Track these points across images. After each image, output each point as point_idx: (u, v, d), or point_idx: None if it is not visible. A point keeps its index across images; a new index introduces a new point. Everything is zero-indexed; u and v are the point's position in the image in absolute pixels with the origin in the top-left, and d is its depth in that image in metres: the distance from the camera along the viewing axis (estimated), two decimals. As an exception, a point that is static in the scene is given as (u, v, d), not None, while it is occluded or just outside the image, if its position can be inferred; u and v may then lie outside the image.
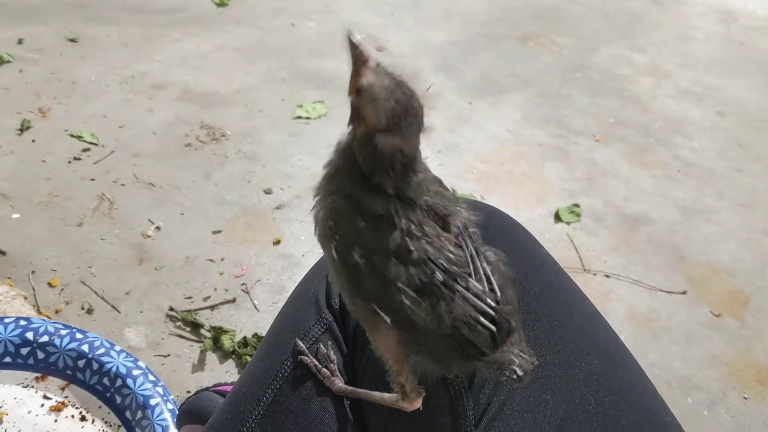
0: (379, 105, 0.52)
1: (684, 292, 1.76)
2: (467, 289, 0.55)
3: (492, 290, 0.56)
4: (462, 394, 0.66)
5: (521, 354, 0.58)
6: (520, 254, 0.79)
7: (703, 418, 1.47)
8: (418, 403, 0.62)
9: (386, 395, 0.63)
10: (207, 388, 1.12)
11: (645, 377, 0.76)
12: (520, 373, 0.57)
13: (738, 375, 1.58)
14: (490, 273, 0.57)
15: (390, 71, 0.54)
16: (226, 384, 1.16)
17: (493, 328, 0.55)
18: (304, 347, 0.69)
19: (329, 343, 0.71)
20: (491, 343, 0.56)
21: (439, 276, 0.54)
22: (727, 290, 1.80)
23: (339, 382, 0.68)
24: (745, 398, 1.52)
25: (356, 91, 0.54)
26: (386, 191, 0.54)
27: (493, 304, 0.55)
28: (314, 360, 0.68)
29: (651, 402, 0.72)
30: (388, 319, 0.57)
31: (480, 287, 0.55)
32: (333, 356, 0.69)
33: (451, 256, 0.55)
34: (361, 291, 0.58)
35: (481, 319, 0.54)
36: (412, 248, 0.54)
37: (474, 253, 0.57)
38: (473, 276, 0.56)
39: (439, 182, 0.60)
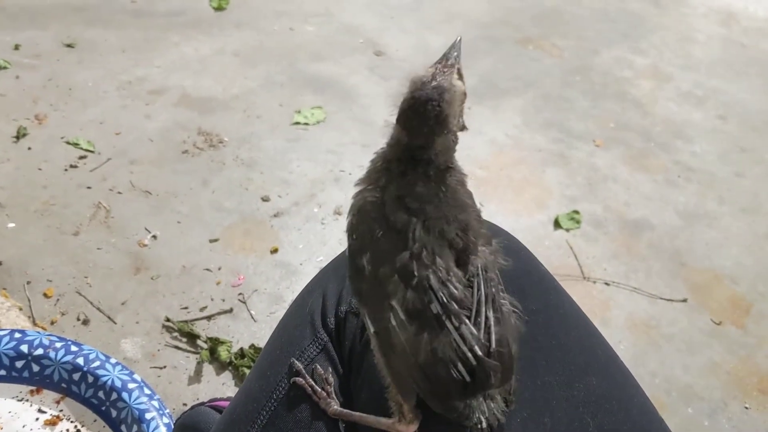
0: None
1: (685, 300, 1.75)
2: (457, 329, 0.53)
3: (488, 341, 0.54)
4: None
5: (492, 411, 0.58)
6: (517, 270, 0.78)
7: (704, 428, 1.46)
8: (414, 427, 0.61)
9: (382, 419, 0.63)
10: (203, 403, 1.12)
11: (643, 395, 0.75)
12: (484, 425, 0.57)
13: (739, 384, 1.57)
14: (492, 323, 0.55)
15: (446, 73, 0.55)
16: (222, 399, 1.15)
17: (467, 377, 0.53)
18: (301, 368, 0.68)
19: (327, 365, 0.70)
20: (461, 392, 0.55)
21: (434, 308, 0.53)
22: (728, 297, 1.79)
23: (335, 405, 0.67)
24: (746, 407, 1.51)
25: None
26: (411, 208, 0.55)
27: (479, 353, 0.53)
28: (310, 381, 0.68)
29: (650, 422, 0.71)
30: (371, 329, 0.57)
31: (474, 332, 0.54)
32: (331, 378, 0.68)
33: (455, 292, 0.54)
34: (359, 292, 0.59)
35: (459, 365, 0.53)
36: (415, 273, 0.54)
37: (483, 298, 0.55)
38: (471, 320, 0.54)
39: (477, 215, 0.59)
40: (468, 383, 0.54)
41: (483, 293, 0.55)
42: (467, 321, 0.54)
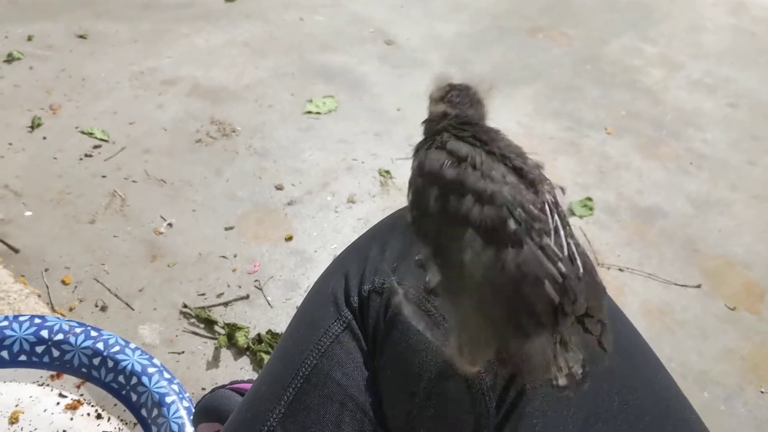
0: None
1: (698, 286, 1.75)
2: (538, 245, 0.51)
3: (572, 262, 0.53)
4: (484, 392, 0.65)
5: (569, 364, 0.54)
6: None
7: (720, 412, 1.46)
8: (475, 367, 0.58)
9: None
10: (223, 386, 1.12)
11: (666, 374, 0.75)
12: (561, 383, 0.54)
13: (754, 369, 1.57)
14: (574, 249, 0.53)
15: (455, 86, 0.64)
16: (242, 381, 1.16)
17: (555, 296, 0.50)
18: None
19: (353, 343, 0.70)
20: (552, 315, 0.51)
21: (511, 224, 0.51)
22: (742, 283, 1.79)
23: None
24: (762, 392, 1.51)
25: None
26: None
27: (563, 269, 0.51)
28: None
29: (673, 399, 0.72)
30: (437, 278, 0.55)
31: (556, 251, 0.52)
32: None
33: (530, 208, 0.52)
34: (425, 233, 0.57)
35: (546, 283, 0.50)
36: (486, 190, 0.53)
37: (560, 223, 0.54)
38: (551, 240, 0.52)
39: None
40: (557, 306, 0.51)
41: (558, 219, 0.54)
42: (547, 239, 0.52)
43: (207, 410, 1.08)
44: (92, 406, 1.19)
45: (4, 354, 1.20)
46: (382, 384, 0.68)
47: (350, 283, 0.75)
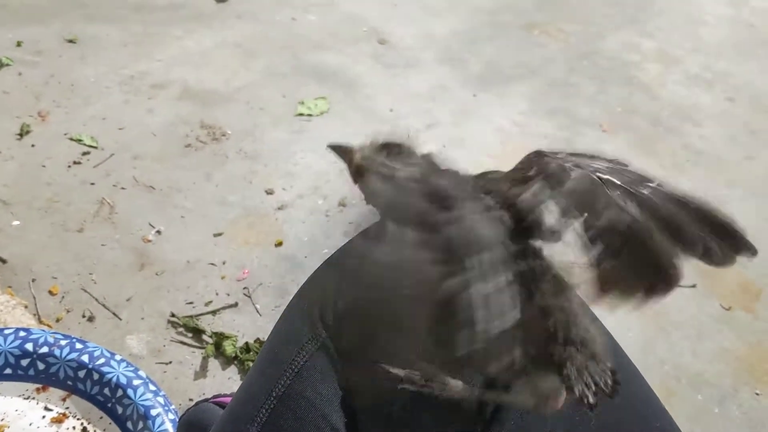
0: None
1: (694, 286, 1.73)
2: None
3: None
4: (458, 414, 0.64)
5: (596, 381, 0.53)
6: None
7: (714, 414, 1.44)
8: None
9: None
10: (206, 399, 1.11)
11: (648, 390, 0.74)
12: (591, 400, 0.51)
13: (750, 370, 1.55)
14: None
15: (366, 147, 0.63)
16: (225, 395, 1.15)
17: None
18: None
19: (328, 362, 0.68)
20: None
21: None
22: (738, 282, 1.77)
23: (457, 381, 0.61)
24: (757, 394, 1.50)
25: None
26: None
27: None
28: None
29: (655, 417, 0.70)
30: None
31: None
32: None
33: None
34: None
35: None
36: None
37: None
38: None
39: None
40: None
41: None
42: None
43: (190, 424, 1.07)
44: (78, 419, 1.18)
45: (-11, 368, 1.19)
46: (357, 402, 0.67)
47: (326, 299, 0.74)
